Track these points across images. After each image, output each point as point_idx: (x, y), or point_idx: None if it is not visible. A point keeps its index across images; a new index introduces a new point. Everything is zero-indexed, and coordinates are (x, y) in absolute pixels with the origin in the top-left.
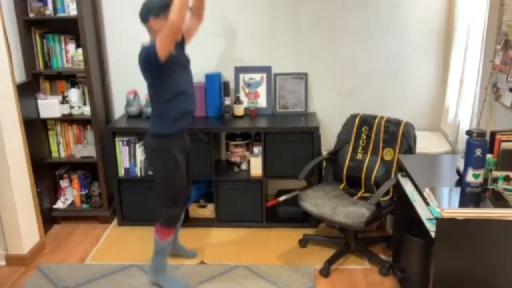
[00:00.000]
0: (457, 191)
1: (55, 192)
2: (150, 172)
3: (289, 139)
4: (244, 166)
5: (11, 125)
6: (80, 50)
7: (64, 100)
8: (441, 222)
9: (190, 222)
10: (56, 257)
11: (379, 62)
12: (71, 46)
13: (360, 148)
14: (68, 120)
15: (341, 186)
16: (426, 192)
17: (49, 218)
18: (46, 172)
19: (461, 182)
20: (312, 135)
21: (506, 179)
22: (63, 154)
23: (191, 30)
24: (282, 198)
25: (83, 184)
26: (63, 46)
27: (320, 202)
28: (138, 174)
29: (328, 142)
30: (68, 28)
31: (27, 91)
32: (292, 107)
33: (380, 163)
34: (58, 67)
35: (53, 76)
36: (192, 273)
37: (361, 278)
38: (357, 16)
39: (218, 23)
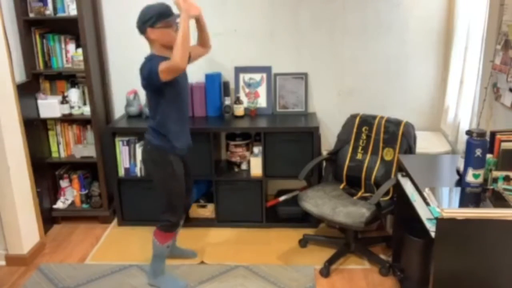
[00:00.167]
0: (457, 191)
1: (55, 192)
2: None
3: (289, 139)
4: (244, 166)
5: (11, 125)
6: (80, 50)
7: (64, 100)
8: (441, 222)
9: (190, 222)
10: (56, 257)
11: (379, 62)
12: (71, 46)
13: (360, 148)
14: (68, 120)
15: (341, 186)
16: (426, 192)
17: (49, 218)
18: (46, 172)
19: (461, 182)
20: (312, 135)
21: (506, 179)
22: (63, 154)
23: (198, 56)
24: (282, 198)
25: (83, 184)
26: (63, 46)
27: (320, 202)
28: (138, 174)
29: (328, 142)
30: (68, 28)
31: (27, 91)
32: (292, 107)
33: (380, 163)
34: (58, 67)
35: (53, 76)
36: (192, 273)
37: (361, 278)
38: (357, 16)
39: (218, 23)
